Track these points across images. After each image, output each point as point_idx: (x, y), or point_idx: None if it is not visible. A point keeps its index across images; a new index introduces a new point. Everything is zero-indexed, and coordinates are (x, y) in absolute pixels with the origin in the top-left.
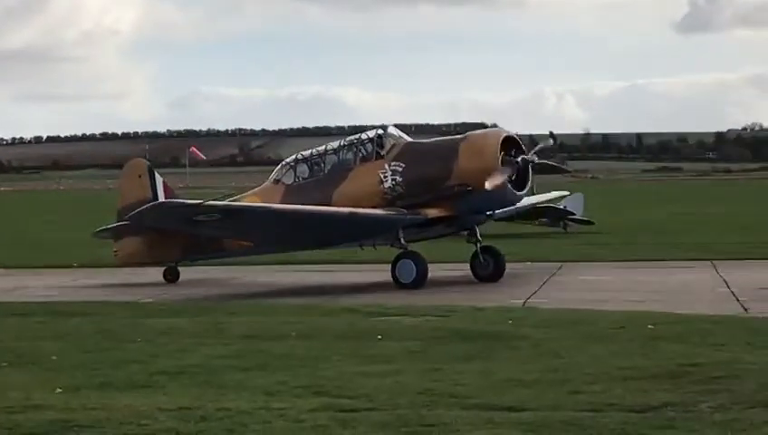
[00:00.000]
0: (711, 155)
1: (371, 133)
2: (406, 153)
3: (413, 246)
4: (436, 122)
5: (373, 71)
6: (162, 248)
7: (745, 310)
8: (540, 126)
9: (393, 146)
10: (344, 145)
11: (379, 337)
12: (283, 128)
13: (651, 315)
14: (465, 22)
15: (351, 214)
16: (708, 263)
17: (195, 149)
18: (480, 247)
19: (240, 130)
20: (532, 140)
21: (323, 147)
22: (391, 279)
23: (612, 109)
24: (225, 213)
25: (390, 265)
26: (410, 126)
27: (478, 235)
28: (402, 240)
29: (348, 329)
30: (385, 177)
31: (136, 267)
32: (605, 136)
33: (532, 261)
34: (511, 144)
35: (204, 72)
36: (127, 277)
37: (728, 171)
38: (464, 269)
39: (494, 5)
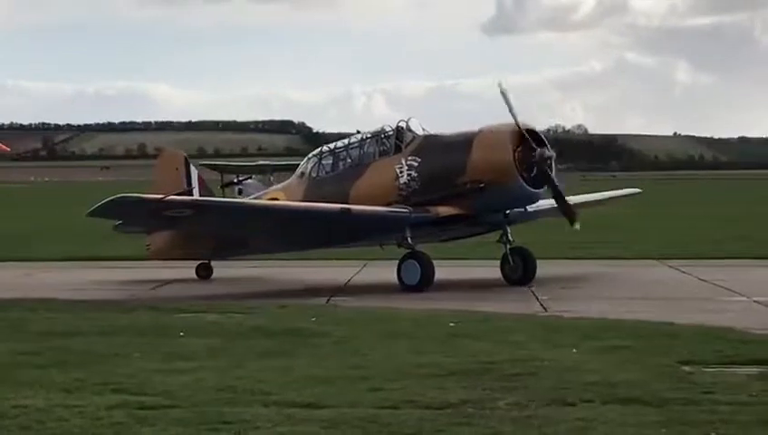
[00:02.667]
0: None
1: (393, 125)
2: (423, 147)
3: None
4: (243, 119)
5: (182, 66)
6: (193, 244)
7: (545, 309)
8: (349, 125)
9: (412, 139)
10: (367, 138)
11: (181, 334)
12: (89, 123)
13: (452, 313)
14: (276, 18)
15: (344, 211)
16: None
17: None
18: (509, 249)
19: (44, 124)
20: (339, 137)
21: (349, 139)
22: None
23: (420, 108)
24: (196, 208)
25: (396, 266)
26: (218, 122)
27: (509, 236)
28: (409, 240)
29: (149, 326)
30: (401, 171)
31: (168, 261)
32: None
33: (338, 259)
34: (529, 137)
35: (6, 64)
36: None
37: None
38: None
39: (307, 2)
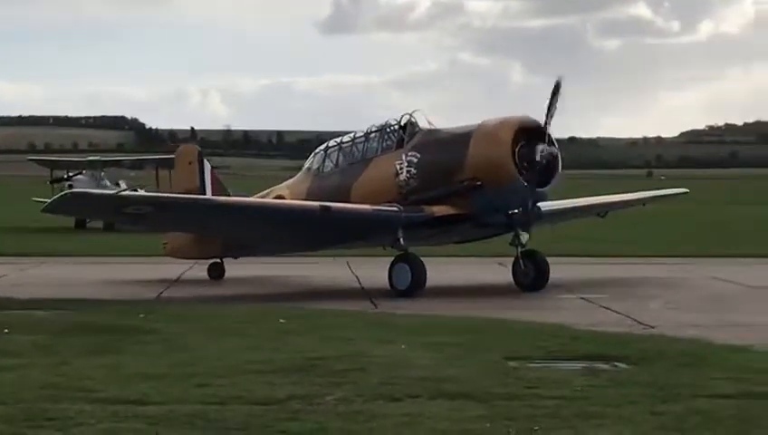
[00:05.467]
0: None
1: (398, 119)
2: (423, 142)
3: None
4: (75, 114)
5: (13, 60)
6: (205, 243)
7: (375, 305)
8: (183, 121)
9: (415, 134)
10: (373, 131)
11: (6, 331)
12: None
13: (282, 310)
14: (112, 13)
15: (324, 209)
16: (344, 260)
17: None
18: (521, 252)
19: None
20: (172, 133)
21: (356, 133)
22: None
23: (255, 106)
24: (157, 206)
25: (388, 270)
26: (49, 117)
27: (521, 238)
28: (402, 241)
29: None
30: (401, 168)
31: (182, 261)
32: (246, 133)
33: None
34: (531, 133)
35: None
36: None
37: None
38: None
39: None
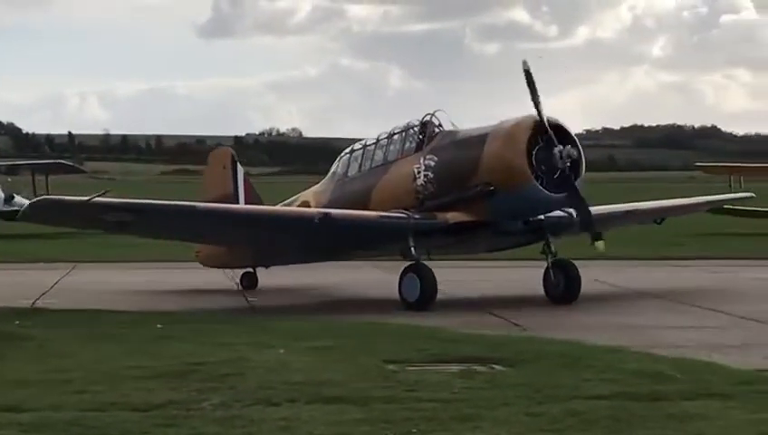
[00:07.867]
0: None
1: (420, 119)
2: (441, 144)
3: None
4: None
5: None
6: (236, 252)
7: (254, 311)
8: (61, 126)
9: (435, 135)
10: (395, 133)
11: None
12: None
13: (160, 315)
14: None
15: (323, 216)
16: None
17: None
18: (552, 262)
19: None
20: (49, 138)
21: (380, 135)
22: None
23: (133, 110)
24: (136, 213)
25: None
26: None
27: (551, 247)
28: (413, 250)
29: None
30: (418, 172)
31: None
32: (125, 137)
33: (45, 262)
34: (552, 133)
35: None
36: None
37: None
38: None
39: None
